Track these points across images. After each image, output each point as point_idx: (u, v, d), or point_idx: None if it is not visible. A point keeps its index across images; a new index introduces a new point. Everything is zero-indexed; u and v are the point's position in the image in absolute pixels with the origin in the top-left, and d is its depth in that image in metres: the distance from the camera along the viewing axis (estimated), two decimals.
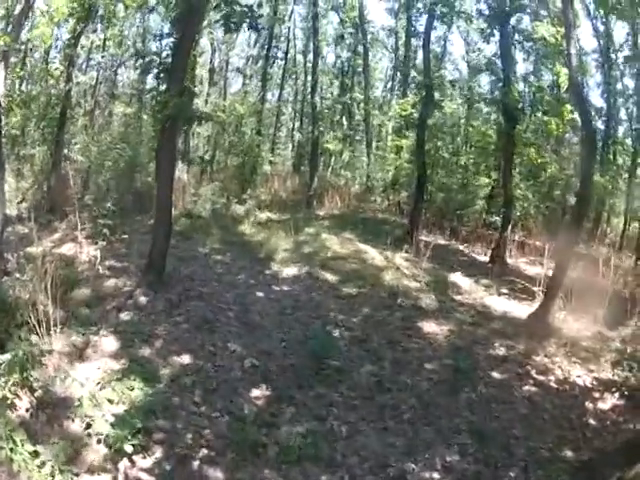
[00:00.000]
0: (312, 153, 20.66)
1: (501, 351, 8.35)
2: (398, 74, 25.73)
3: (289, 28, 25.27)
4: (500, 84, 15.58)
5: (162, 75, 9.47)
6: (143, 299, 8.60)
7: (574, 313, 9.30)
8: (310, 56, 25.50)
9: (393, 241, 13.82)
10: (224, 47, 23.41)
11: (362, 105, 24.39)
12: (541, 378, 7.61)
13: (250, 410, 6.29)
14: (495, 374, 7.66)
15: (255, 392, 6.73)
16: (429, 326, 9.05)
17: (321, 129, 21.49)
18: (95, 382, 6.15)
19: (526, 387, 7.38)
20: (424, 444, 6.09)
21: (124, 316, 8.00)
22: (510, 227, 14.85)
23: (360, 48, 24.72)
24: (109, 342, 7.14)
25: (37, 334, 6.35)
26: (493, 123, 20.12)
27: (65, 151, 16.23)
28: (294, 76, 27.64)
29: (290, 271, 11.23)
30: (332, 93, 24.82)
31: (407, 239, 14.21)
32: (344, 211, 18.60)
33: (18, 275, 7.36)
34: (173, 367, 6.91)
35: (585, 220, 10.63)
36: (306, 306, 9.53)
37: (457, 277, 12.09)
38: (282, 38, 25.64)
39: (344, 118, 25.07)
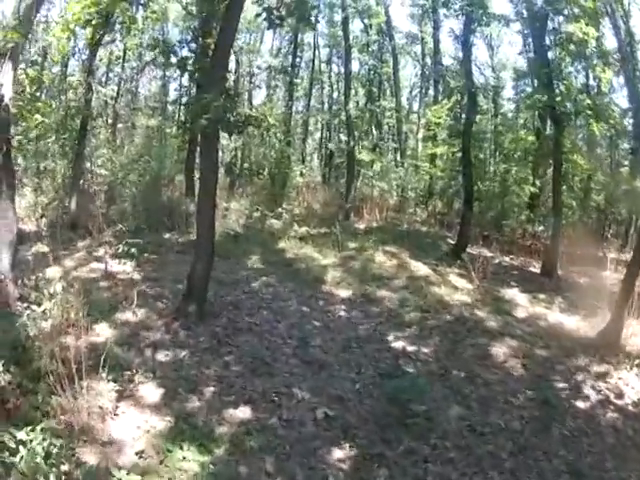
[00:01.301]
0: (348, 164, 19.88)
1: (579, 376, 7.68)
2: (426, 81, 25.29)
3: (315, 34, 24.32)
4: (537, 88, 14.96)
5: (198, 75, 8.50)
6: (183, 333, 7.55)
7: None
8: (334, 65, 25.74)
9: (442, 256, 13.23)
10: (246, 58, 22.74)
11: (393, 113, 23.59)
12: (620, 403, 7.12)
13: (336, 478, 5.23)
14: (579, 403, 7.06)
15: (337, 453, 5.64)
16: (502, 351, 8.24)
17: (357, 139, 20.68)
18: (135, 450, 5.08)
19: (609, 414, 6.87)
20: None
21: (163, 356, 6.91)
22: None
23: (386, 55, 24.11)
24: (148, 391, 6.10)
25: (60, 388, 5.27)
26: (529, 129, 19.70)
27: (87, 164, 15.39)
28: (318, 85, 26.84)
29: (343, 293, 10.24)
30: (358, 102, 23.98)
31: (456, 253, 13.45)
32: (382, 224, 17.57)
33: (35, 307, 6.06)
34: (231, 425, 5.76)
35: None
36: (371, 337, 8.47)
37: (514, 293, 11.45)
38: (305, 47, 25.08)
39: (373, 127, 24.21)
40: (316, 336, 8.28)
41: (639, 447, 6.30)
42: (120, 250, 9.61)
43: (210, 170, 8.37)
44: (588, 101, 14.32)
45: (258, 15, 8.13)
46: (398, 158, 23.51)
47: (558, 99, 13.47)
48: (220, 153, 21.39)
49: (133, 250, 9.36)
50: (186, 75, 9.45)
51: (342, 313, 9.39)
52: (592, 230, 16.88)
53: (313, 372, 7.14)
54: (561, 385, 7.48)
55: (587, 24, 13.46)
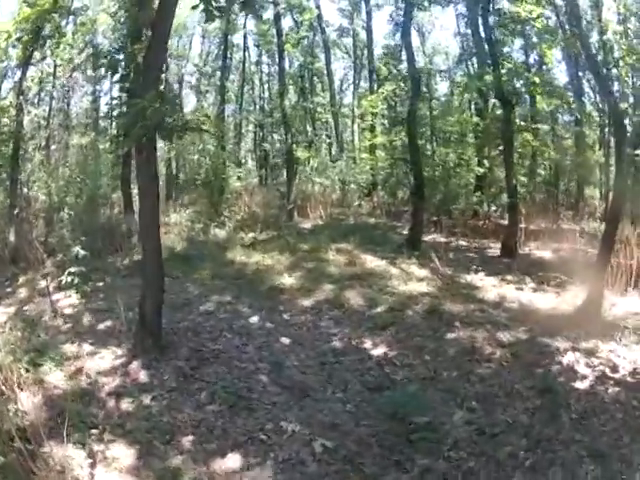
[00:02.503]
0: (287, 162, 19.44)
1: (570, 356, 7.22)
2: (358, 72, 25.53)
3: (244, 35, 24.28)
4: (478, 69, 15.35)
5: (131, 79, 7.64)
6: (145, 374, 6.60)
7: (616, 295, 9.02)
8: (264, 65, 25.79)
9: (397, 247, 12.76)
10: (175, 65, 22.47)
11: (326, 108, 23.47)
12: (617, 376, 6.75)
13: None
14: (578, 384, 6.60)
15: None
16: (486, 342, 7.67)
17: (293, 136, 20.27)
18: None
19: (610, 390, 6.44)
20: None
21: (128, 405, 5.96)
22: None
23: (316, 50, 24.05)
24: (121, 451, 5.15)
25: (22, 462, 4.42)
26: (465, 111, 20.09)
27: (24, 190, 14.44)
28: (249, 86, 26.56)
29: (305, 301, 9.41)
30: (290, 100, 23.50)
31: (412, 243, 13.13)
32: (328, 221, 17.17)
33: None
34: (223, 477, 4.90)
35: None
36: (348, 348, 7.72)
37: (480, 278, 11.03)
38: (235, 48, 24.72)
39: (307, 124, 23.75)
40: (289, 355, 7.46)
41: None
42: (63, 282, 8.80)
43: (150, 184, 7.26)
44: (536, 79, 14.35)
45: (195, 7, 7.19)
46: (335, 152, 23.23)
47: (504, 78, 13.36)
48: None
49: (77, 280, 8.60)
50: (117, 87, 8.55)
51: (310, 324, 8.62)
52: (544, 205, 17.03)
53: (296, 398, 6.33)
54: (555, 368, 6.99)
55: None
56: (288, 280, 10.37)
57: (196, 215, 15.57)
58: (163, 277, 7.47)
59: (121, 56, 7.85)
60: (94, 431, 5.38)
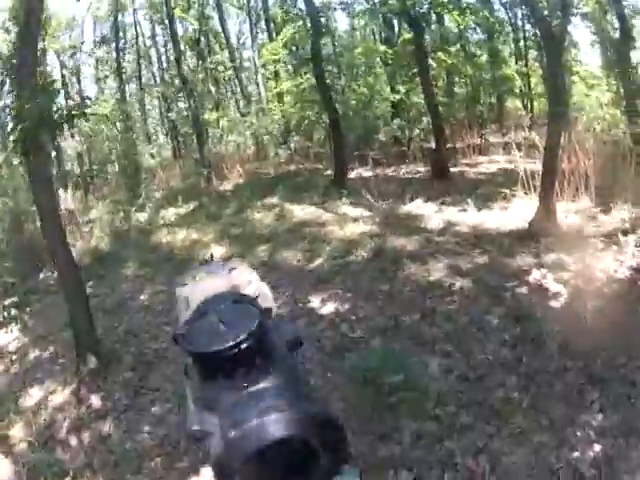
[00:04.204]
0: (195, 127, 18.79)
1: (536, 274, 6.71)
2: (254, 24, 24.30)
3: (134, 10, 23.15)
4: None
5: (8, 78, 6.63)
6: (96, 398, 5.81)
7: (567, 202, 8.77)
8: (158, 38, 24.54)
9: (324, 191, 12.15)
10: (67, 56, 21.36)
11: (226, 65, 22.77)
12: (592, 288, 6.17)
13: None
14: (553, 303, 6.07)
15: None
16: (442, 274, 7.11)
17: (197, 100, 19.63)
18: None
19: (589, 304, 5.75)
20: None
21: (89, 438, 5.23)
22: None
23: (208, 10, 23.02)
24: None
25: None
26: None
27: None
28: (146, 62, 25.45)
29: None
30: (189, 65, 22.58)
31: (338, 183, 12.59)
32: (248, 177, 16.47)
33: None
34: None
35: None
36: (294, 311, 6.89)
37: (418, 205, 10.48)
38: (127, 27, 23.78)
39: (210, 85, 22.83)
40: None
41: (634, 328, 5.32)
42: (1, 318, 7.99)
43: (44, 188, 6.30)
44: None
45: None
46: (242, 108, 22.48)
47: (411, 2, 12.83)
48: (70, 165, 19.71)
49: (13, 312, 7.93)
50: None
51: None
52: (468, 122, 16.72)
53: None
54: (523, 290, 6.43)
55: None
56: (217, 250, 9.56)
57: (114, 204, 14.44)
58: (84, 290, 6.60)
59: None
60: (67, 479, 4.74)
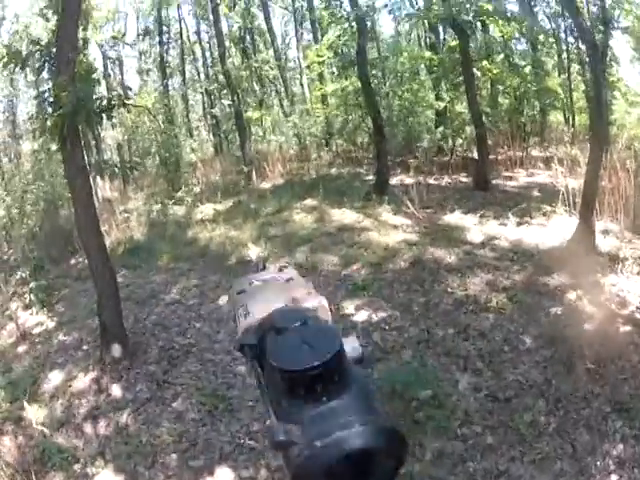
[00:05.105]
0: (238, 124, 18.53)
1: (572, 295, 6.64)
2: (299, 25, 24.50)
3: (178, 6, 23.23)
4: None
5: (47, 64, 6.68)
6: (117, 387, 5.87)
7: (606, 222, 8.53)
8: (203, 34, 24.56)
9: (365, 196, 11.95)
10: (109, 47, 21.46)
11: (272, 64, 22.65)
12: (625, 312, 6.19)
13: None
14: (587, 326, 5.98)
15: None
16: (479, 289, 7.06)
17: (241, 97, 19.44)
18: None
19: (622, 329, 5.88)
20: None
21: (104, 427, 5.29)
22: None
23: (253, 9, 22.99)
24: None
25: None
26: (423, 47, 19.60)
27: None
28: (191, 57, 25.61)
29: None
30: (234, 62, 22.61)
31: (380, 188, 12.32)
32: (289, 178, 16.40)
33: None
34: None
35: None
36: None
37: (459, 217, 10.33)
38: (171, 21, 24.09)
39: (255, 83, 22.90)
40: None
41: None
42: (28, 300, 8.11)
43: (79, 176, 6.35)
44: (488, 6, 13.47)
45: None
46: (286, 108, 22.57)
47: (456, 9, 12.58)
48: (109, 153, 19.96)
49: (40, 295, 7.95)
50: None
51: None
52: (510, 133, 16.34)
53: None
54: (558, 311, 6.38)
55: None
56: (254, 249, 9.61)
57: (153, 196, 14.63)
58: (114, 278, 6.60)
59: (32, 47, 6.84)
60: (77, 466, 4.82)
